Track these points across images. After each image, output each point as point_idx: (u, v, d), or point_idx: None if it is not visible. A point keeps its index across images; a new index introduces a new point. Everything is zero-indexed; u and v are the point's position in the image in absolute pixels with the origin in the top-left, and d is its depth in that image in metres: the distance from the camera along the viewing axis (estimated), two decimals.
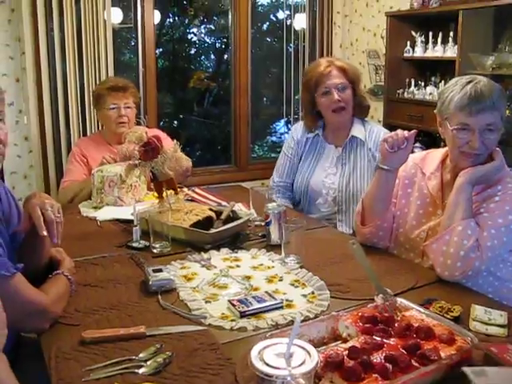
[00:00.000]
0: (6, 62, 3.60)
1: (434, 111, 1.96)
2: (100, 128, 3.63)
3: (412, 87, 4.00)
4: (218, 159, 5.69)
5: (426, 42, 3.91)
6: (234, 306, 1.55)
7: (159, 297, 1.64)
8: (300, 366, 1.07)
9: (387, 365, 1.17)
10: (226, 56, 5.59)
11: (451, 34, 3.66)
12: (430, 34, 3.85)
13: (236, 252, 2.04)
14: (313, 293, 1.68)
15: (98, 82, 3.64)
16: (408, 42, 4.01)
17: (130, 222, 2.24)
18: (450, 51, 3.67)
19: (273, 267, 1.90)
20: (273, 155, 3.91)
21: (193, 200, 2.62)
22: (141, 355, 1.31)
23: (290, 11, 4.78)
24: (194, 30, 5.68)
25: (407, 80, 4.05)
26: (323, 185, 2.75)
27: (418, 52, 3.96)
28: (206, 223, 2.16)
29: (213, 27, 5.73)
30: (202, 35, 5.71)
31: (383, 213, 2.04)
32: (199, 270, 1.87)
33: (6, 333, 1.06)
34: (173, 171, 2.31)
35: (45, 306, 1.45)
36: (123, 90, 3.03)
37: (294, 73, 4.78)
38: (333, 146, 2.80)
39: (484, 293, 1.72)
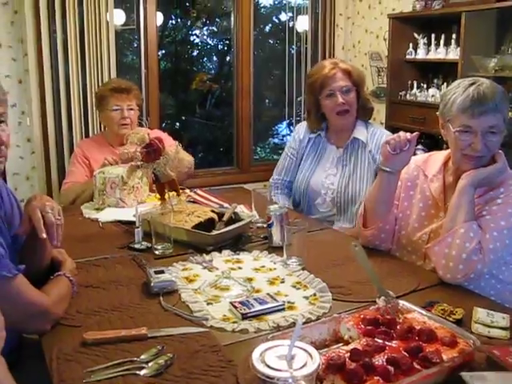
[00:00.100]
0: (8, 63, 3.61)
1: (437, 113, 1.96)
2: (102, 129, 3.64)
3: (414, 89, 4.00)
4: (220, 161, 5.69)
5: (429, 44, 3.90)
6: (235, 307, 1.55)
7: (161, 298, 1.64)
8: (302, 368, 1.07)
9: (389, 367, 1.16)
10: (228, 58, 5.60)
11: (454, 36, 3.66)
12: (433, 36, 3.85)
13: (238, 254, 2.04)
14: (315, 295, 1.68)
15: (100, 84, 3.64)
16: (410, 44, 4.01)
17: (131, 223, 2.24)
18: (453, 53, 3.67)
19: (275, 269, 1.90)
20: (275, 157, 3.92)
21: (195, 202, 2.62)
22: (142, 357, 1.31)
23: (293, 13, 4.79)
24: (197, 31, 5.68)
25: (409, 82, 4.05)
26: (322, 185, 2.76)
27: (421, 54, 3.96)
28: (207, 225, 2.16)
29: (215, 29, 5.74)
30: (205, 37, 5.72)
31: (385, 215, 2.04)
32: (201, 272, 1.87)
33: (4, 335, 1.06)
34: (174, 172, 2.31)
35: (46, 308, 1.45)
36: (126, 92, 3.03)
37: (297, 75, 4.78)
38: (334, 146, 2.80)
39: (486, 295, 1.72)
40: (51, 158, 3.73)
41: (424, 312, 1.42)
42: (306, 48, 4.75)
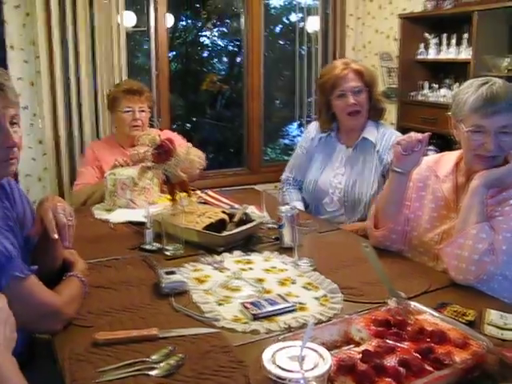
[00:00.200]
0: (20, 65, 3.63)
1: (448, 113, 1.95)
2: (113, 131, 3.66)
3: (425, 89, 3.99)
4: (230, 162, 5.70)
5: (440, 44, 3.89)
6: (246, 308, 1.55)
7: (172, 299, 1.64)
8: (313, 369, 1.07)
9: (400, 369, 1.16)
10: (238, 59, 5.60)
11: (465, 35, 3.64)
12: (444, 35, 3.83)
13: (249, 254, 2.04)
14: (325, 296, 1.67)
15: (111, 86, 3.66)
16: (421, 44, 3.99)
17: (142, 224, 2.24)
18: (464, 53, 3.65)
19: (285, 270, 1.89)
20: (285, 158, 3.93)
21: (205, 203, 2.62)
22: (153, 357, 1.31)
23: (303, 14, 4.79)
24: (207, 32, 5.70)
25: (420, 82, 4.04)
26: (330, 184, 2.75)
27: (432, 54, 3.94)
28: (218, 226, 2.16)
29: (225, 30, 5.75)
30: (215, 38, 5.73)
31: (396, 216, 2.03)
32: (212, 273, 1.87)
33: (15, 336, 1.08)
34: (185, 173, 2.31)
35: (58, 308, 1.46)
36: (139, 94, 3.04)
37: (307, 75, 4.78)
38: (344, 146, 2.79)
39: (499, 297, 1.70)
40: (63, 160, 3.74)
41: (436, 313, 1.42)
42: (317, 49, 4.75)
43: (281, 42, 5.89)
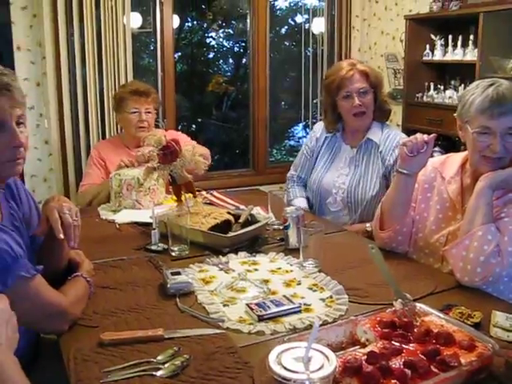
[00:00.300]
0: (27, 66, 3.65)
1: (454, 115, 1.95)
2: (119, 131, 3.67)
3: (431, 91, 3.98)
4: (236, 163, 5.70)
5: (446, 46, 3.88)
6: (251, 309, 1.54)
7: (177, 300, 1.64)
8: (318, 370, 1.07)
9: (406, 370, 1.15)
10: (244, 60, 5.60)
11: (471, 37, 3.63)
12: (450, 37, 3.82)
13: (254, 256, 2.04)
14: (331, 297, 1.67)
15: (117, 87, 3.67)
16: (427, 46, 3.98)
17: (148, 224, 2.25)
18: (470, 54, 3.65)
19: (291, 271, 1.89)
20: (291, 159, 3.93)
21: (211, 203, 2.62)
22: (159, 358, 1.31)
23: (309, 15, 4.78)
24: (213, 34, 5.70)
25: (426, 84, 4.03)
26: (334, 184, 2.75)
27: (438, 55, 3.93)
28: (224, 227, 2.16)
29: (231, 31, 5.75)
30: (221, 39, 5.73)
31: (402, 217, 2.03)
32: (217, 274, 1.87)
33: (17, 337, 1.08)
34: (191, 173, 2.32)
35: (64, 308, 1.46)
36: (145, 95, 3.05)
37: (313, 77, 4.78)
38: (349, 146, 2.79)
39: (505, 299, 1.69)
40: (68, 160, 3.76)
41: (441, 315, 1.41)
42: (322, 50, 4.75)
43: (286, 44, 5.89)
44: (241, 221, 2.22)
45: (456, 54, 3.79)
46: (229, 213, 2.28)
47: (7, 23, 3.58)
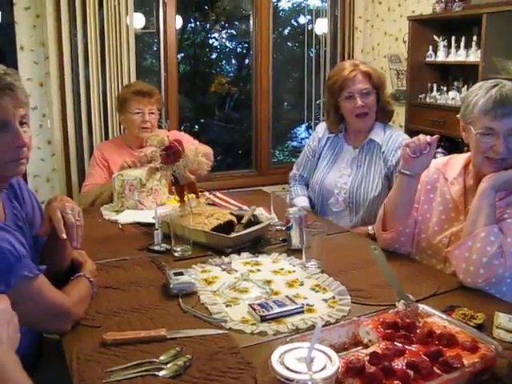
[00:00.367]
0: (30, 66, 3.65)
1: (458, 116, 1.94)
2: (122, 132, 3.67)
3: (434, 92, 3.97)
4: (238, 163, 5.71)
5: (449, 47, 3.87)
6: (254, 310, 1.55)
7: (180, 300, 1.64)
8: (321, 370, 1.07)
9: (409, 371, 1.15)
10: (247, 61, 5.61)
11: (474, 38, 3.62)
12: (453, 38, 3.81)
13: (257, 256, 2.04)
14: (334, 298, 1.67)
15: (120, 87, 3.67)
16: (430, 47, 3.98)
17: (151, 225, 2.25)
18: (473, 55, 3.64)
19: (293, 272, 1.89)
20: (293, 160, 3.93)
21: (214, 204, 2.63)
22: (161, 358, 1.31)
23: (312, 16, 4.78)
24: (216, 34, 5.70)
25: (429, 85, 4.02)
26: (336, 185, 2.76)
27: (441, 56, 3.93)
28: (226, 227, 2.16)
29: (234, 32, 5.75)
30: (224, 40, 5.74)
31: (405, 218, 2.03)
32: (220, 274, 1.87)
33: (18, 336, 1.09)
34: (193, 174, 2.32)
35: (67, 308, 1.46)
36: (149, 96, 3.05)
37: (316, 78, 4.77)
38: (351, 147, 2.80)
39: (508, 300, 1.69)
40: (71, 160, 3.76)
41: (444, 316, 1.41)
42: (325, 51, 4.74)
43: (289, 44, 5.89)
44: (243, 221, 2.22)
45: (459, 55, 3.78)
46: (231, 213, 2.28)
47: (11, 23, 3.59)
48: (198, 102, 5.67)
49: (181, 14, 4.48)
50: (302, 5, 5.04)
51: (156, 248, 2.09)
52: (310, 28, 4.80)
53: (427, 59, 4.02)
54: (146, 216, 2.43)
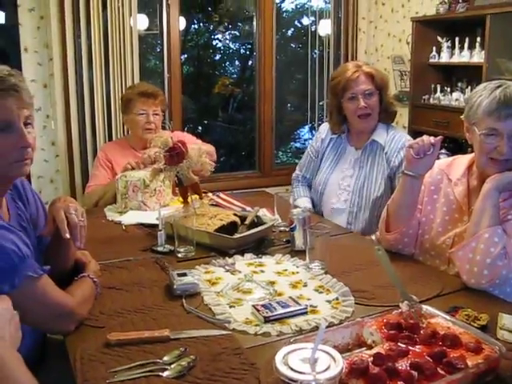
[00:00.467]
0: (34, 67, 3.66)
1: (461, 117, 1.94)
2: (125, 133, 3.68)
3: (438, 93, 3.97)
4: (242, 165, 5.71)
5: (453, 48, 3.87)
6: (258, 310, 1.55)
7: (183, 301, 1.64)
8: (325, 371, 1.07)
9: (413, 372, 1.15)
10: (250, 62, 5.61)
11: (478, 39, 3.62)
12: (457, 39, 3.81)
13: (260, 257, 2.04)
14: (337, 299, 1.67)
15: (124, 88, 3.68)
16: (434, 48, 3.97)
17: (154, 226, 2.26)
18: (477, 56, 3.64)
19: (297, 273, 1.89)
20: (296, 161, 3.92)
21: (217, 205, 2.62)
22: (165, 358, 1.31)
23: (315, 17, 4.78)
24: (219, 36, 5.71)
25: (433, 86, 4.02)
26: (338, 186, 2.76)
27: (444, 57, 3.92)
28: (230, 228, 2.16)
29: (237, 33, 5.75)
30: (227, 41, 5.74)
31: (408, 219, 2.02)
32: (223, 275, 1.87)
33: (20, 336, 1.10)
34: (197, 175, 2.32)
35: (71, 308, 1.46)
36: (153, 97, 3.05)
37: (319, 79, 4.77)
38: (353, 148, 2.80)
39: None
40: (75, 162, 3.77)
41: (448, 317, 1.41)
42: (329, 52, 4.75)
43: (293, 46, 5.89)
44: (247, 222, 2.22)
45: (463, 56, 3.78)
46: (235, 214, 2.28)
47: (15, 25, 3.60)
48: (201, 104, 5.67)
49: (184, 15, 4.48)
50: (306, 6, 5.05)
51: (159, 249, 2.10)
52: (313, 29, 4.81)
53: (431, 60, 4.02)
54: (149, 217, 2.44)
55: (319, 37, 4.78)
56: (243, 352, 1.36)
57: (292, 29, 5.87)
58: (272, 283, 1.79)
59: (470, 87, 3.73)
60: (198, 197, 2.37)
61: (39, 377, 1.04)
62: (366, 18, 4.70)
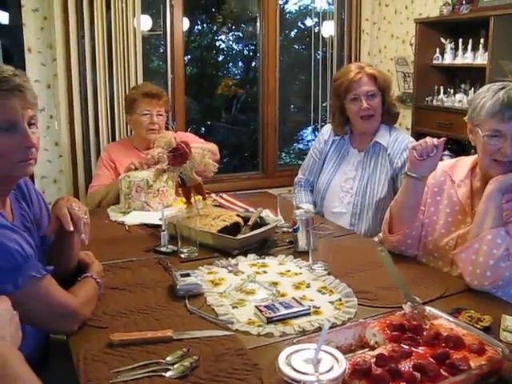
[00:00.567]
0: (38, 68, 3.67)
1: (465, 118, 1.94)
2: (129, 133, 3.68)
3: (441, 94, 3.97)
4: (245, 166, 5.71)
5: (456, 49, 3.86)
6: (260, 311, 1.55)
7: (186, 301, 1.64)
8: (328, 372, 1.07)
9: (415, 373, 1.15)
10: (253, 63, 5.61)
11: (481, 40, 3.62)
12: (460, 40, 3.81)
13: (263, 258, 2.04)
14: (340, 300, 1.67)
15: (127, 89, 3.68)
16: (437, 49, 3.97)
17: (157, 226, 2.26)
18: (481, 58, 3.63)
19: (300, 274, 1.89)
20: (299, 162, 3.92)
21: (220, 206, 2.63)
22: (168, 359, 1.32)
23: (318, 18, 4.78)
24: (223, 37, 5.71)
25: (436, 87, 4.01)
26: (341, 188, 2.76)
27: (448, 59, 3.92)
28: (233, 229, 2.17)
29: (241, 34, 5.76)
30: (230, 42, 5.75)
31: (411, 221, 2.02)
32: (226, 276, 1.87)
33: (20, 335, 1.11)
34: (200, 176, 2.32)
35: (74, 309, 1.47)
36: (157, 98, 3.06)
37: (322, 80, 4.77)
38: (356, 150, 2.80)
39: None
40: (78, 162, 3.78)
41: (451, 318, 1.41)
42: (332, 53, 4.74)
43: (296, 47, 5.89)
44: (250, 223, 2.22)
45: (466, 58, 3.77)
46: (238, 215, 2.28)
47: (18, 25, 3.60)
48: (204, 104, 5.68)
49: (188, 16, 4.49)
50: (309, 7, 5.04)
51: (162, 249, 2.10)
52: (316, 30, 4.81)
53: (434, 62, 4.01)
54: (152, 217, 2.44)
55: (322, 38, 4.78)
56: (246, 352, 1.36)
57: (295, 30, 5.87)
58: (275, 284, 1.79)
59: (473, 89, 3.72)
60: (201, 197, 2.37)
61: (42, 377, 1.04)
62: (369, 20, 4.71)
